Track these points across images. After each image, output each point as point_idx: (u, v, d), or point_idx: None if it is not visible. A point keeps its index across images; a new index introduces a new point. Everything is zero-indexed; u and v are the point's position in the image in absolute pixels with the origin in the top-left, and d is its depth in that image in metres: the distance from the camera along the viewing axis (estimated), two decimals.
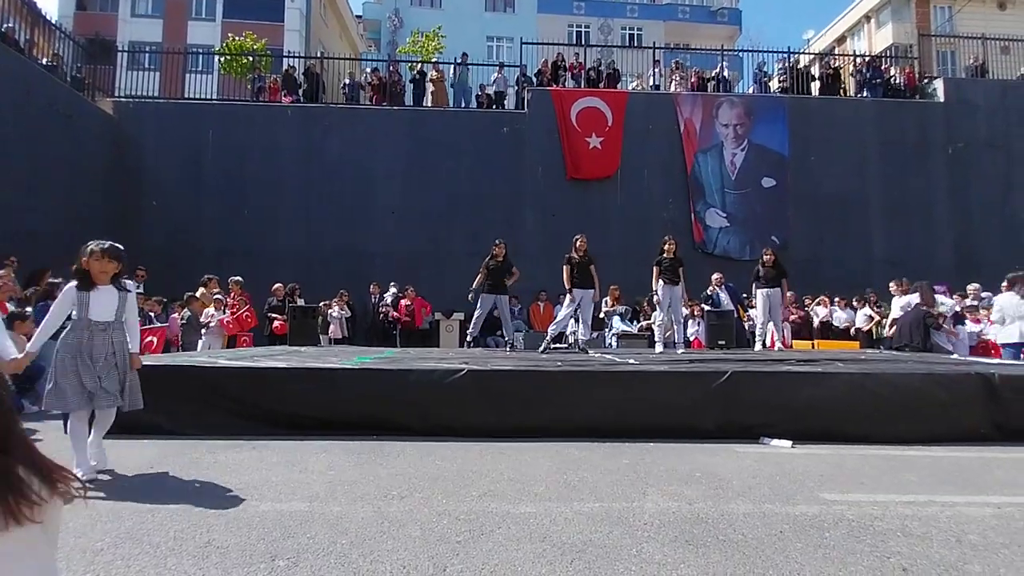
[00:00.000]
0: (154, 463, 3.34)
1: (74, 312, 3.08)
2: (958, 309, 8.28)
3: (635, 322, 10.22)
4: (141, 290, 9.01)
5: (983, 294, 8.73)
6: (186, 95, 14.08)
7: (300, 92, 13.46)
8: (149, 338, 7.17)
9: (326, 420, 4.11)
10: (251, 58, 15.72)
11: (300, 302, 9.57)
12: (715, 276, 10.03)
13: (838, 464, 3.50)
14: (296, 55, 16.75)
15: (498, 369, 4.39)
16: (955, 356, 6.92)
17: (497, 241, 7.49)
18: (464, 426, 4.08)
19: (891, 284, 9.27)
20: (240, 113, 12.75)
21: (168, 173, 12.07)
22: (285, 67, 14.01)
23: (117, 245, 3.17)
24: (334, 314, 10.03)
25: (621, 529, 2.34)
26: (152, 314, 8.09)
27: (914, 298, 7.99)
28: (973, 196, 12.71)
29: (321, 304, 9.73)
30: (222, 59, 16.72)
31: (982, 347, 7.94)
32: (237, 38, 17.64)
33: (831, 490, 2.92)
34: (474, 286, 7.43)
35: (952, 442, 4.00)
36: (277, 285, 9.60)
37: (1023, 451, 3.86)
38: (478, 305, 7.46)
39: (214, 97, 14.74)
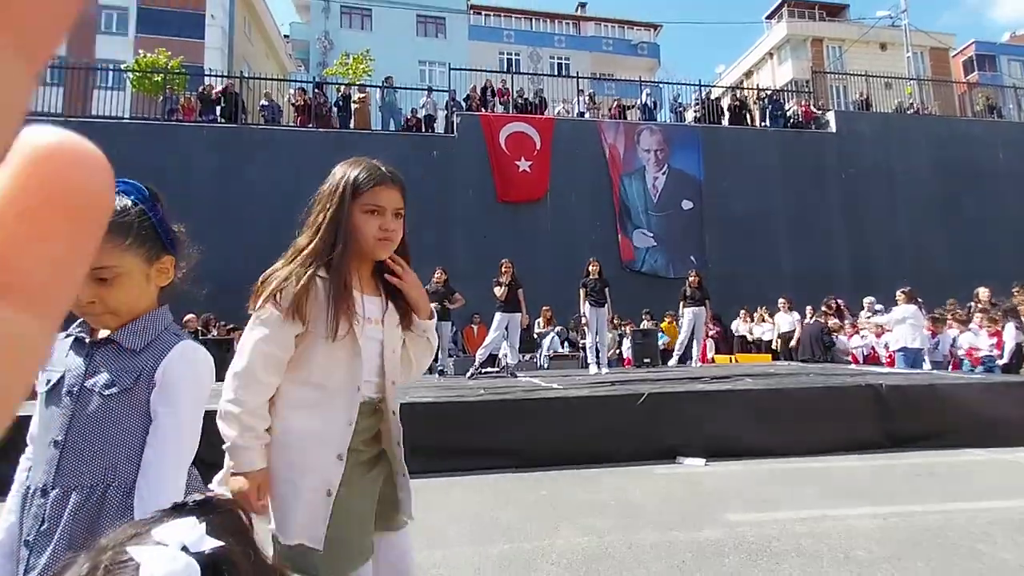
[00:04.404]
0: None
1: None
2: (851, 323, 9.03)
3: (568, 340, 10.36)
4: None
5: (876, 307, 9.54)
6: (94, 113, 13.05)
7: (218, 112, 12.85)
8: None
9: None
10: (163, 76, 14.84)
11: (214, 333, 8.96)
12: None
13: (745, 480, 3.63)
14: (215, 73, 15.98)
15: (417, 402, 4.25)
16: (852, 367, 7.46)
17: (437, 269, 7.33)
18: None
19: (779, 301, 10.16)
20: (151, 133, 11.95)
21: None
22: (201, 86, 13.36)
23: None
24: None
25: (526, 574, 2.28)
26: None
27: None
28: (864, 217, 14.00)
29: (235, 335, 9.16)
30: (131, 76, 15.69)
31: (874, 356, 8.65)
32: (149, 54, 16.64)
33: (736, 510, 3.01)
34: None
35: (848, 451, 4.27)
36: (189, 317, 8.93)
37: (907, 456, 4.17)
38: None
39: (127, 116, 13.76)
